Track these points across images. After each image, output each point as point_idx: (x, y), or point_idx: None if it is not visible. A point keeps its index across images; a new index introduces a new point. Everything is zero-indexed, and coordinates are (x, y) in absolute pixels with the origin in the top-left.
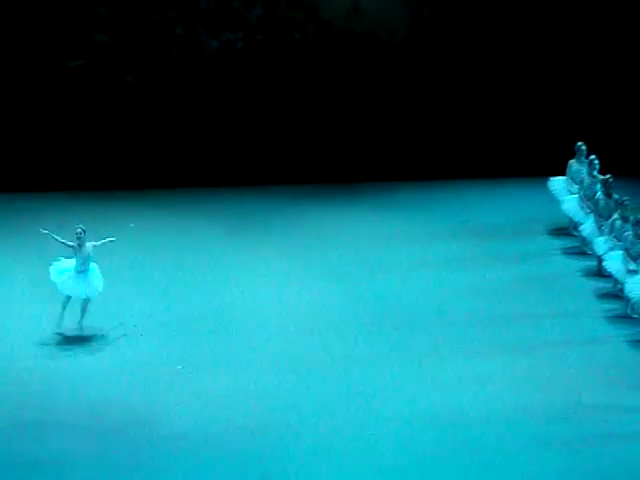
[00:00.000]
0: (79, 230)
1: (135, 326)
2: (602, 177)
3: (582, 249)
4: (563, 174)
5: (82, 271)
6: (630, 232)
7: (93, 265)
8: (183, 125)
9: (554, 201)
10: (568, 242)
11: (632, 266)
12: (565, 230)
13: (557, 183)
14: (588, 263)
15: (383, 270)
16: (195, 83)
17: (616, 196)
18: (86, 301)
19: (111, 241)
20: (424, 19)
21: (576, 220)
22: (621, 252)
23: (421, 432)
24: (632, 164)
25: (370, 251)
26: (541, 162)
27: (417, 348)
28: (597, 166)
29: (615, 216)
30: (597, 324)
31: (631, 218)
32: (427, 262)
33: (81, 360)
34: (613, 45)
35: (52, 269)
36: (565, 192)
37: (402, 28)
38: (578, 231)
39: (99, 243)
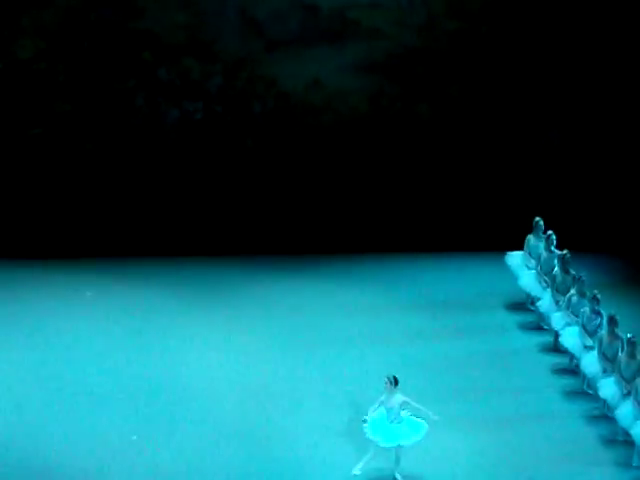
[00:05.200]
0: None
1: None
2: (559, 252)
3: (539, 324)
4: (521, 249)
5: (394, 421)
6: (587, 308)
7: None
8: (143, 194)
9: (512, 276)
10: (525, 317)
11: (588, 342)
12: (522, 305)
13: (515, 258)
14: (545, 338)
15: (340, 342)
16: (155, 153)
17: (573, 272)
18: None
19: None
20: (383, 92)
21: (533, 295)
22: (578, 328)
23: None
24: (589, 240)
25: (328, 323)
26: (499, 237)
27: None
28: (554, 241)
29: (572, 292)
30: (553, 399)
31: (588, 294)
32: (383, 335)
33: (37, 423)
34: (567, 122)
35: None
36: (522, 267)
37: (362, 100)
38: (535, 306)
39: (412, 403)
